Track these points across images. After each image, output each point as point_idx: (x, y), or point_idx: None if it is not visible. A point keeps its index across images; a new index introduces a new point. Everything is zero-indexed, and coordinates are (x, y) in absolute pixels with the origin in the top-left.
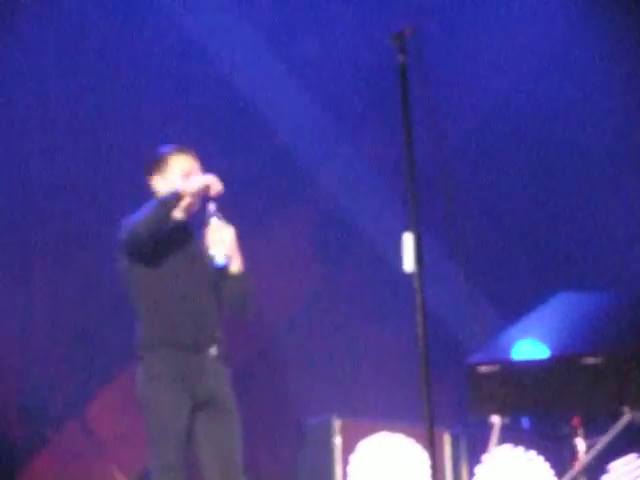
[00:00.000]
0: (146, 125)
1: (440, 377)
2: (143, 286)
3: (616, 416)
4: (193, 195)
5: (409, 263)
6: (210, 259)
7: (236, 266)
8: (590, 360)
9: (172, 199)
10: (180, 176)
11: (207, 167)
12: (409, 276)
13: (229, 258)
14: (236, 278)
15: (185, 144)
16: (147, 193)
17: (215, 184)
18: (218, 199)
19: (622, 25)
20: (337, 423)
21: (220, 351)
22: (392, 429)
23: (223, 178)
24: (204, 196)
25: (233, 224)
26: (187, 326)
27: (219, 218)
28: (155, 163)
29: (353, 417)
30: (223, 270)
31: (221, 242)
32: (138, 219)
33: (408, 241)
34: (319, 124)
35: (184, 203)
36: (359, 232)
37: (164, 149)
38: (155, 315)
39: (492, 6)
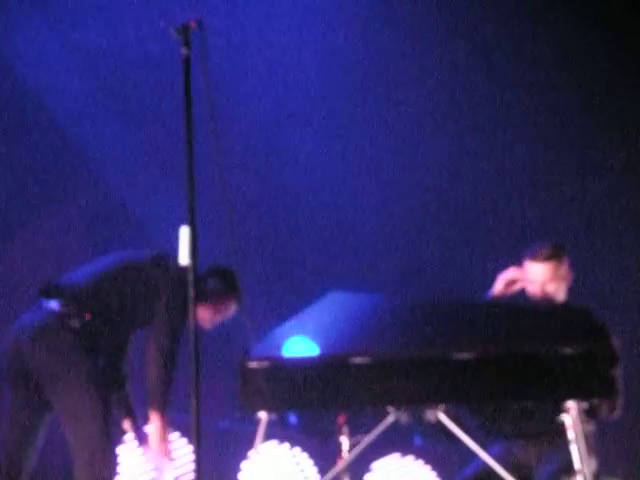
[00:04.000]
0: None
1: (210, 371)
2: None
3: (381, 416)
4: None
5: (184, 256)
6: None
7: None
8: (357, 360)
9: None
10: None
11: None
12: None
13: None
14: None
15: None
16: None
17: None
18: None
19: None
20: None
21: None
22: None
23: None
24: None
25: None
26: None
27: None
28: None
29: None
30: None
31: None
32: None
33: (185, 235)
34: (102, 114)
35: None
36: (138, 224)
37: None
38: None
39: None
